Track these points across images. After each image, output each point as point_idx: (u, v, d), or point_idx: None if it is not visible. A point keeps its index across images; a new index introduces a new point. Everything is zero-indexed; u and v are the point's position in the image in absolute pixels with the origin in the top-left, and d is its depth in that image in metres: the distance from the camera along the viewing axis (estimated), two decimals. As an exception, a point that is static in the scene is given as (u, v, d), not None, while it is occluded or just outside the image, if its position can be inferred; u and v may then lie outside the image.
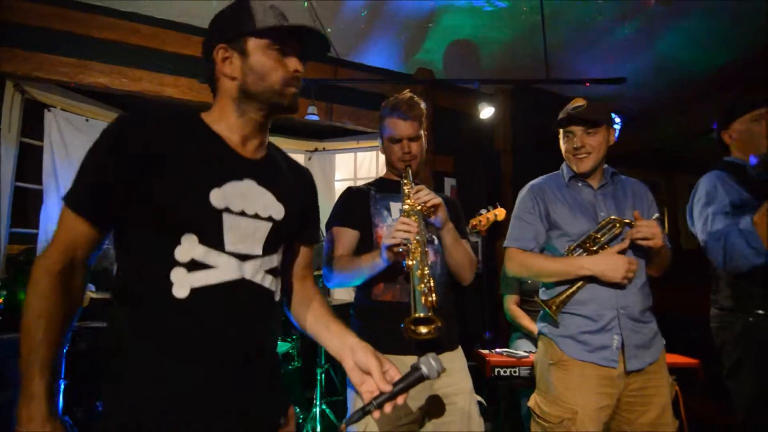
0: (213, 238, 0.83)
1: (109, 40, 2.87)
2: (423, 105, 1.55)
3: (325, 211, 1.59)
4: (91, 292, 2.47)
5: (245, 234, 0.87)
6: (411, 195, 1.35)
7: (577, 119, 1.54)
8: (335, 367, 3.08)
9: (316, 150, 4.41)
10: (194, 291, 0.81)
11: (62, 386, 2.37)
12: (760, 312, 1.54)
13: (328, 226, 1.52)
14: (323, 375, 2.84)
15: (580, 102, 1.57)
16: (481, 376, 2.14)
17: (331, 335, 1.00)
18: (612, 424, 1.49)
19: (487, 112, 3.48)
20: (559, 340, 1.50)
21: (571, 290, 1.48)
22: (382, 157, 4.67)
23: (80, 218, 0.81)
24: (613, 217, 1.52)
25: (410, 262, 1.20)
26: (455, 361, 1.44)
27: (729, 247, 1.54)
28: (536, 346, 2.33)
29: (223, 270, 0.84)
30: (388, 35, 3.43)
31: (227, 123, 0.92)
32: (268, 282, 0.91)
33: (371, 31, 3.37)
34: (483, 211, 2.82)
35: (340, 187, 4.32)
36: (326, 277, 1.44)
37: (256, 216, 0.89)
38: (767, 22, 3.10)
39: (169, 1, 2.84)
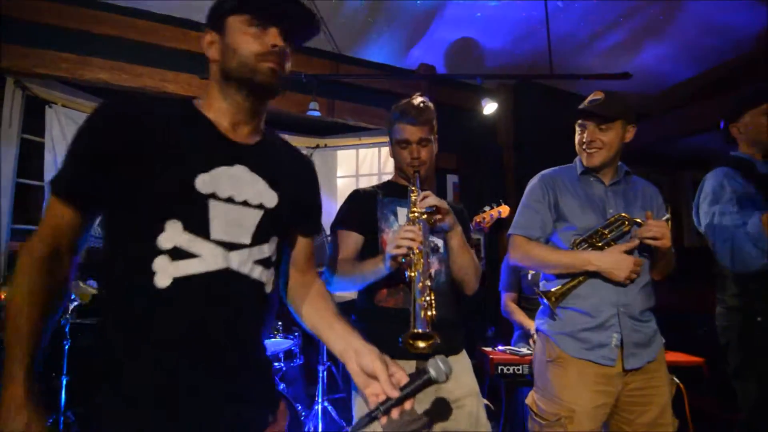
0: (198, 225, 0.80)
1: (109, 35, 2.86)
2: (433, 109, 1.52)
3: (326, 209, 1.57)
4: (93, 288, 2.47)
5: (232, 222, 0.84)
6: (417, 203, 1.33)
7: (589, 113, 1.52)
8: (337, 364, 3.08)
9: (317, 146, 4.39)
10: (176, 281, 0.78)
11: (64, 383, 2.37)
12: None
13: (333, 228, 1.50)
14: (325, 372, 2.83)
15: (598, 95, 1.54)
16: (484, 373, 2.13)
17: (335, 335, 0.96)
18: (611, 423, 1.48)
19: (490, 107, 3.46)
20: (557, 338, 1.49)
21: (571, 284, 1.47)
22: (385, 154, 4.64)
23: (64, 204, 0.80)
24: (622, 214, 1.50)
25: (411, 274, 1.18)
26: (460, 363, 1.43)
27: (737, 249, 1.52)
28: (530, 343, 2.33)
29: (207, 259, 0.80)
30: (390, 31, 3.41)
31: (216, 108, 0.90)
32: (258, 273, 0.87)
33: (373, 26, 3.34)
34: (487, 208, 2.81)
35: (341, 184, 4.31)
36: (328, 280, 1.41)
37: (245, 203, 0.86)
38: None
39: (169, -4, 2.83)
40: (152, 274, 0.77)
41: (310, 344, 3.06)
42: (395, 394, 0.80)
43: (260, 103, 0.92)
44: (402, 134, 1.48)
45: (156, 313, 0.78)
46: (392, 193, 1.53)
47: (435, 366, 0.83)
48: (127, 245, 0.81)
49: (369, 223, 1.47)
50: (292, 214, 0.96)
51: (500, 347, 2.32)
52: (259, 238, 0.87)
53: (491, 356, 2.15)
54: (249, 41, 0.85)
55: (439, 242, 1.47)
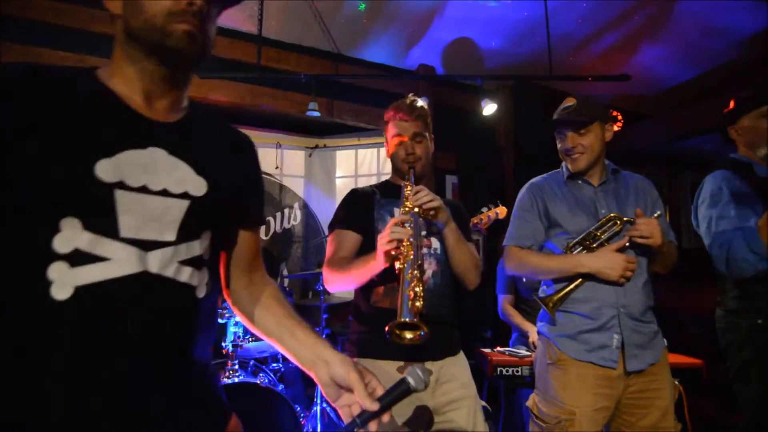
0: (102, 222, 0.65)
1: (107, 34, 2.82)
2: (427, 107, 1.53)
3: (325, 209, 1.56)
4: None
5: (149, 216, 0.68)
6: (410, 197, 1.33)
7: (565, 122, 1.54)
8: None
9: (316, 147, 4.38)
10: (79, 291, 0.62)
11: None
12: None
13: (331, 227, 1.51)
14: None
15: (570, 102, 1.56)
16: (483, 375, 2.13)
17: (298, 344, 0.84)
18: (612, 426, 1.48)
19: (490, 108, 3.46)
20: (558, 340, 1.49)
21: (568, 288, 1.47)
22: (383, 155, 4.65)
23: None
24: (613, 214, 1.50)
25: (400, 265, 1.17)
26: (456, 366, 1.43)
27: (732, 253, 1.52)
28: (527, 345, 2.33)
29: (117, 263, 0.65)
30: (390, 31, 3.41)
31: (123, 76, 0.73)
32: (186, 275, 0.72)
33: (372, 26, 3.34)
34: (484, 209, 2.82)
35: (340, 184, 4.31)
36: (325, 279, 1.42)
37: (165, 192, 0.70)
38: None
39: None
40: (47, 284, 0.62)
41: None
42: (375, 407, 0.73)
43: (179, 72, 0.76)
44: (396, 130, 1.49)
45: (53, 333, 0.62)
46: (389, 193, 1.53)
47: (414, 375, 0.79)
48: (14, 252, 0.64)
49: (366, 222, 1.47)
50: (228, 203, 0.80)
51: (499, 349, 2.32)
52: (186, 233, 0.72)
53: (490, 358, 2.14)
54: None
55: (437, 244, 1.47)
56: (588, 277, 1.45)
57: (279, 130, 4.13)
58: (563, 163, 1.65)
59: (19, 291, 0.63)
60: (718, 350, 1.70)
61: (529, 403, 1.55)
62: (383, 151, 4.29)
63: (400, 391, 0.78)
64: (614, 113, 1.60)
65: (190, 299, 0.74)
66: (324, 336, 2.39)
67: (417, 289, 1.12)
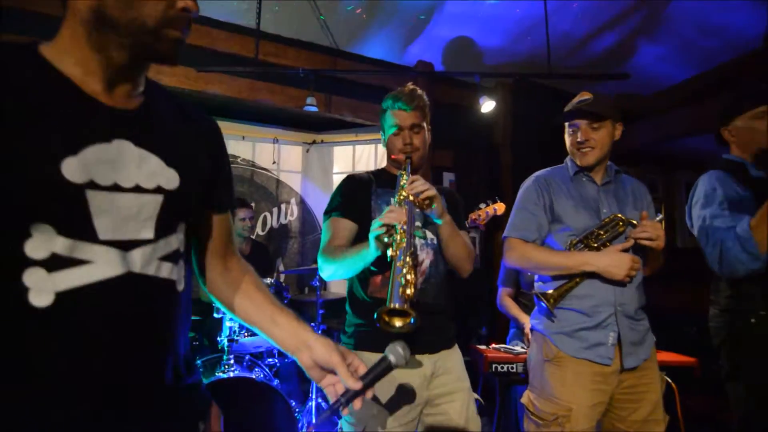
0: (76, 227, 0.61)
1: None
2: (425, 97, 1.52)
3: (322, 205, 1.56)
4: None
5: (125, 215, 0.65)
6: (406, 185, 1.32)
7: (582, 112, 1.53)
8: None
9: (314, 142, 4.37)
10: (61, 296, 0.59)
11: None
12: (762, 313, 1.54)
13: (327, 214, 1.49)
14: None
15: (586, 95, 1.56)
16: (478, 371, 2.14)
17: (280, 330, 0.84)
18: (604, 421, 1.50)
19: (488, 105, 3.46)
20: (555, 337, 1.50)
21: (569, 285, 1.48)
22: (381, 151, 4.62)
23: None
24: (618, 215, 1.51)
25: (392, 252, 1.17)
26: (452, 359, 1.44)
27: (725, 253, 1.53)
28: (525, 341, 2.34)
29: (99, 265, 0.62)
30: (389, 27, 3.39)
31: (80, 59, 0.64)
32: (167, 271, 0.70)
33: (371, 22, 3.33)
34: (482, 206, 2.82)
35: (337, 180, 4.28)
36: (320, 266, 1.41)
37: (138, 189, 0.66)
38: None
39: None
40: (24, 290, 0.58)
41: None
42: (357, 385, 0.76)
43: (146, 64, 0.71)
44: (394, 120, 1.48)
45: (36, 342, 0.59)
46: (385, 183, 1.52)
47: (394, 351, 0.81)
48: None
49: (363, 211, 1.46)
50: (201, 192, 0.77)
51: (494, 345, 2.33)
52: (163, 229, 0.69)
53: (485, 354, 2.15)
54: None
55: (432, 234, 1.47)
56: (590, 275, 1.46)
57: (276, 125, 4.12)
58: (567, 159, 1.65)
59: None
60: (711, 349, 1.72)
61: (524, 399, 1.56)
62: (381, 146, 4.27)
63: (381, 369, 0.80)
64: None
65: (171, 294, 0.72)
66: (320, 332, 2.39)
67: (409, 276, 1.11)
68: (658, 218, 1.47)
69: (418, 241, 1.44)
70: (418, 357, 1.36)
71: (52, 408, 0.59)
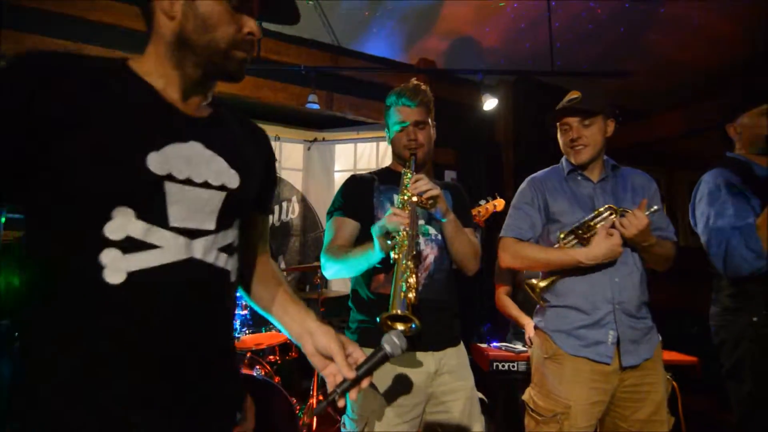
0: (154, 212, 0.69)
1: (105, 23, 2.82)
2: (430, 92, 1.51)
3: (323, 203, 1.56)
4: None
5: (193, 206, 0.73)
6: (410, 185, 1.31)
7: (572, 110, 1.54)
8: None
9: (315, 140, 4.37)
10: (132, 275, 0.66)
11: None
12: (763, 312, 1.53)
13: (330, 214, 1.49)
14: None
15: (575, 94, 1.57)
16: (479, 369, 2.14)
17: (289, 318, 0.91)
18: (606, 419, 1.50)
19: (490, 103, 3.45)
20: (554, 335, 1.50)
21: (555, 277, 1.50)
22: (383, 149, 4.60)
23: None
24: (611, 205, 1.50)
25: (395, 255, 1.16)
26: (457, 357, 1.43)
27: (730, 251, 1.53)
28: (522, 341, 2.34)
29: (167, 250, 0.70)
30: (390, 24, 3.38)
31: (163, 74, 0.76)
32: (223, 261, 0.78)
33: (373, 19, 3.32)
34: (482, 202, 2.82)
35: (339, 178, 4.30)
36: (323, 266, 1.41)
37: (206, 185, 0.75)
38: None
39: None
40: (100, 268, 0.65)
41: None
42: (352, 374, 0.79)
43: (216, 80, 0.82)
44: (398, 117, 1.47)
45: (108, 314, 0.66)
46: (389, 180, 1.52)
47: (390, 341, 0.83)
48: (64, 238, 0.67)
49: (366, 210, 1.45)
50: (254, 194, 0.87)
51: (495, 344, 2.33)
52: (223, 222, 0.78)
53: (486, 352, 2.15)
54: (226, 21, 0.74)
55: (437, 230, 1.46)
56: (583, 270, 1.46)
57: (278, 122, 4.11)
58: (563, 159, 1.66)
59: (72, 275, 0.66)
60: (712, 348, 1.71)
61: (525, 396, 1.56)
62: (382, 145, 4.28)
63: (377, 359, 0.82)
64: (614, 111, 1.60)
65: (226, 283, 0.80)
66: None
67: (411, 280, 1.12)
68: (652, 209, 1.44)
69: (421, 237, 1.44)
70: (422, 354, 1.36)
71: (117, 371, 0.66)
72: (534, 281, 1.54)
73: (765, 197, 1.53)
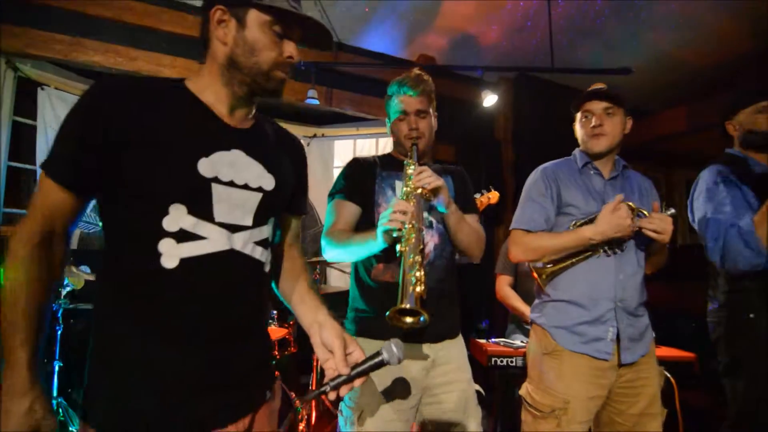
0: (202, 209, 0.82)
1: (104, 17, 2.80)
2: (431, 82, 1.51)
3: (322, 199, 1.56)
4: (86, 274, 2.45)
5: (235, 204, 0.86)
6: (413, 177, 1.31)
7: (600, 93, 1.54)
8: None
9: (315, 136, 4.36)
10: (183, 261, 0.79)
11: (56, 368, 2.36)
12: (760, 309, 1.54)
13: (331, 196, 1.49)
14: (319, 361, 2.83)
15: (600, 85, 1.57)
16: (478, 365, 2.15)
17: (305, 308, 1.01)
18: (602, 414, 1.51)
19: (490, 99, 3.44)
20: (553, 331, 1.50)
21: (564, 264, 1.49)
22: (382, 145, 4.59)
23: (59, 187, 0.79)
24: (629, 203, 1.48)
25: (402, 249, 1.17)
26: (454, 350, 1.43)
27: (727, 248, 1.53)
28: (523, 334, 2.34)
29: (212, 241, 0.83)
30: (390, 20, 3.37)
31: (214, 91, 0.90)
32: (258, 253, 0.90)
33: (373, 15, 3.30)
34: (477, 195, 2.82)
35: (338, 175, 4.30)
36: (323, 248, 1.41)
37: (246, 186, 0.88)
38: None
39: (166, -22, 2.78)
40: (158, 255, 0.78)
41: (305, 334, 3.06)
42: (346, 371, 0.85)
43: (259, 97, 0.95)
44: (400, 106, 1.47)
45: (164, 293, 0.79)
46: (391, 167, 1.52)
47: (388, 349, 0.86)
48: (131, 229, 0.81)
49: (367, 195, 1.45)
50: (287, 196, 1.00)
51: (494, 339, 2.34)
52: (258, 219, 0.90)
53: (485, 348, 2.16)
54: (269, 47, 0.87)
55: (438, 220, 1.46)
56: (586, 266, 1.46)
57: (277, 118, 4.09)
58: (576, 151, 1.65)
59: (137, 260, 0.80)
60: (709, 345, 1.72)
61: (522, 391, 1.56)
62: (382, 141, 4.27)
63: (373, 363, 0.86)
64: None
65: (261, 272, 0.92)
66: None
67: (418, 273, 1.12)
68: (669, 212, 1.43)
69: (424, 229, 1.44)
70: (419, 346, 1.36)
71: (171, 343, 0.79)
72: (541, 266, 1.52)
73: (762, 193, 1.54)
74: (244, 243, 0.87)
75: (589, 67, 3.18)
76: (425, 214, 1.45)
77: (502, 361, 2.11)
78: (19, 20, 2.60)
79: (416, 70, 1.51)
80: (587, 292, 1.47)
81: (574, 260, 1.49)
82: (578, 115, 1.61)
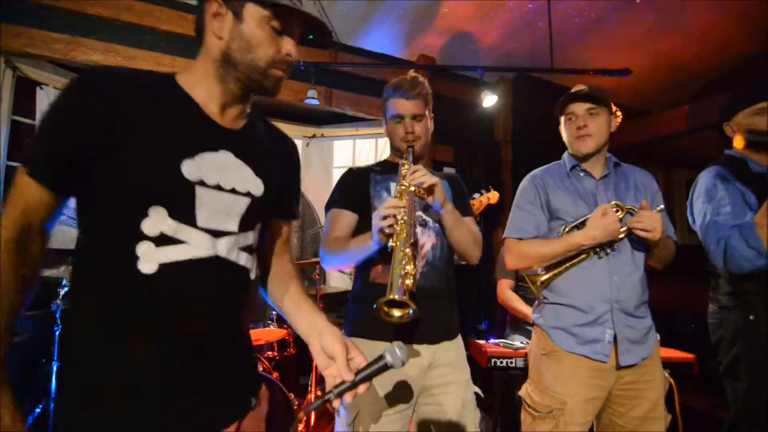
0: (184, 213, 0.78)
1: (103, 16, 2.79)
2: (427, 84, 1.50)
3: (322, 199, 1.56)
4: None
5: (220, 209, 0.82)
6: (407, 176, 1.31)
7: (580, 96, 1.54)
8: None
9: (314, 136, 4.35)
10: (163, 267, 0.75)
11: (54, 369, 2.35)
12: (761, 311, 1.54)
13: (327, 207, 1.50)
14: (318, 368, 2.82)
15: (581, 86, 1.58)
16: (477, 366, 2.15)
17: (301, 315, 0.97)
18: (602, 416, 1.50)
19: (490, 100, 3.44)
20: (552, 332, 1.50)
21: (558, 270, 1.49)
22: (382, 145, 4.60)
23: (37, 184, 0.74)
24: (617, 202, 1.50)
25: (392, 243, 1.16)
26: (452, 351, 1.43)
27: (730, 250, 1.52)
28: (523, 335, 2.34)
29: (194, 246, 0.78)
30: (390, 20, 3.37)
31: (206, 87, 0.85)
32: (243, 260, 0.87)
33: (373, 15, 3.30)
34: (476, 195, 2.82)
35: (337, 175, 4.28)
36: (322, 258, 1.42)
37: (233, 191, 0.84)
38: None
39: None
40: (135, 259, 0.74)
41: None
42: (350, 377, 0.81)
43: (254, 95, 0.90)
44: (395, 109, 1.47)
45: (141, 299, 0.75)
46: (386, 170, 1.52)
47: (392, 352, 0.83)
48: (107, 231, 0.76)
49: (362, 201, 1.45)
50: (277, 201, 0.96)
51: (493, 340, 2.33)
52: (245, 225, 0.86)
53: (484, 349, 2.15)
54: (267, 43, 0.82)
55: (436, 221, 1.46)
56: (580, 263, 1.46)
57: (276, 118, 4.10)
58: (565, 155, 1.65)
59: (112, 263, 0.75)
60: (709, 346, 1.72)
61: (521, 392, 1.56)
62: (381, 141, 4.27)
63: (377, 367, 0.83)
64: (615, 109, 1.61)
65: (246, 279, 0.88)
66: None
67: (408, 267, 1.11)
68: (658, 208, 1.44)
69: (418, 227, 1.43)
70: (417, 347, 1.36)
71: (144, 350, 0.74)
72: (534, 274, 1.53)
73: (761, 194, 1.54)
74: (228, 249, 0.83)
75: (588, 67, 3.17)
76: (421, 213, 1.45)
77: (501, 362, 2.11)
78: (17, 19, 2.59)
79: (412, 73, 1.51)
80: (583, 294, 1.47)
81: (567, 265, 1.49)
82: (562, 119, 1.62)
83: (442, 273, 1.43)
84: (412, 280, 1.11)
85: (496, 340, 2.32)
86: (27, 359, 2.50)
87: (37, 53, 2.65)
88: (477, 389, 1.46)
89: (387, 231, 1.16)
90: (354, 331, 1.40)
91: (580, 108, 1.55)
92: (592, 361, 1.43)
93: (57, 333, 2.39)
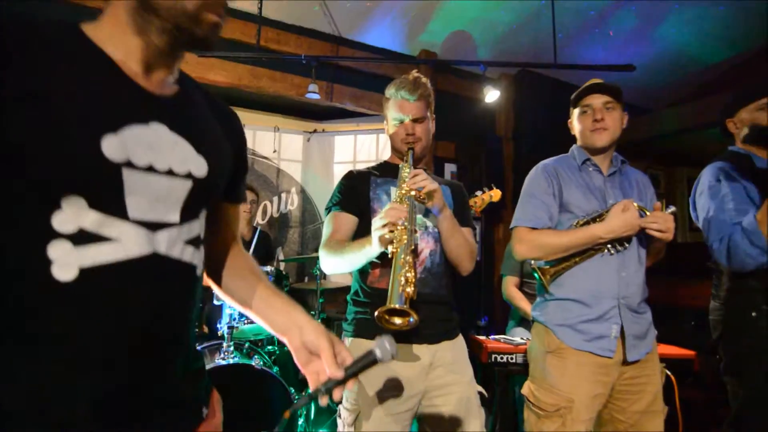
0: (110, 202, 0.61)
1: (101, 9, 2.78)
2: (430, 86, 1.50)
3: (323, 195, 1.56)
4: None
5: (155, 196, 0.65)
6: (407, 180, 1.30)
7: (600, 87, 1.53)
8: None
9: (315, 131, 4.34)
10: (85, 272, 0.58)
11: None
12: (763, 307, 1.54)
13: (327, 209, 1.50)
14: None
15: (597, 80, 1.57)
16: (477, 361, 2.15)
17: (275, 312, 0.84)
18: (604, 411, 1.50)
19: (492, 95, 3.42)
20: (557, 329, 1.49)
21: (567, 264, 1.49)
22: (383, 141, 4.60)
23: None
24: (631, 200, 1.48)
25: (393, 249, 1.16)
26: (453, 350, 1.42)
27: (733, 247, 1.52)
28: (528, 331, 2.34)
29: (126, 244, 0.62)
30: (392, 15, 3.35)
31: (122, 42, 0.65)
32: (189, 255, 0.70)
33: (375, 10, 3.28)
34: (479, 192, 2.81)
35: (338, 170, 4.28)
36: (321, 260, 1.41)
37: (170, 172, 0.67)
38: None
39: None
40: (48, 263, 0.57)
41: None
42: (340, 374, 0.75)
43: (185, 50, 0.72)
44: (396, 110, 1.46)
45: (58, 313, 0.58)
46: (386, 173, 1.51)
47: (381, 346, 0.80)
48: (9, 227, 0.58)
49: (362, 204, 1.45)
50: (223, 182, 0.79)
51: (494, 336, 2.33)
52: (188, 214, 0.70)
53: (485, 345, 2.16)
54: None
55: (435, 225, 1.45)
56: (588, 257, 1.46)
57: (277, 113, 4.08)
58: (573, 148, 1.64)
59: (18, 270, 0.58)
60: (710, 343, 1.72)
61: (524, 390, 1.55)
62: (382, 137, 4.26)
63: (366, 362, 0.79)
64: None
65: (192, 278, 0.73)
66: (319, 320, 2.40)
67: (409, 274, 1.11)
68: (670, 210, 1.43)
69: (417, 231, 1.43)
70: (417, 348, 1.35)
71: (66, 375, 0.58)
72: (544, 265, 1.51)
73: (765, 190, 1.53)
74: (170, 244, 0.67)
75: (592, 63, 3.15)
76: (421, 218, 1.45)
77: (502, 358, 2.11)
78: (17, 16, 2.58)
79: (414, 73, 1.50)
80: (590, 289, 1.46)
81: (577, 259, 1.48)
82: (576, 111, 1.60)
83: (440, 278, 1.43)
84: (412, 288, 1.11)
85: (497, 336, 2.32)
86: None
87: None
88: (480, 389, 1.45)
89: (387, 237, 1.16)
90: (354, 332, 1.40)
91: (597, 100, 1.53)
92: (598, 357, 1.42)
93: None
